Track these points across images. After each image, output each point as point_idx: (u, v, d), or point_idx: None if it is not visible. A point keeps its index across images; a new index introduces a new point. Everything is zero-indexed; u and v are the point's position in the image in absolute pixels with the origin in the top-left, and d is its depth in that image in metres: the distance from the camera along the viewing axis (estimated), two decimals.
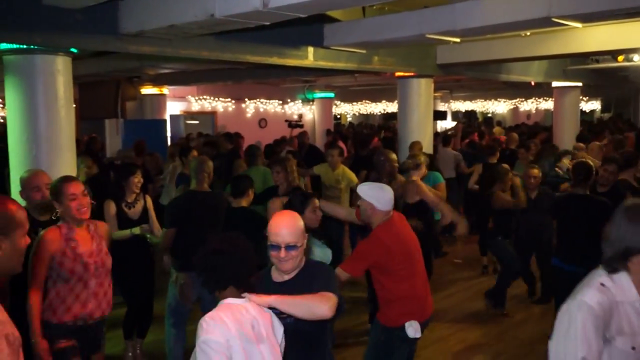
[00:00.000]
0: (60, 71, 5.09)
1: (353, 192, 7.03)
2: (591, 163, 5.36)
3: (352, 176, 7.12)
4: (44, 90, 5.04)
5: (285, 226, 2.72)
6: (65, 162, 5.16)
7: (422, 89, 8.58)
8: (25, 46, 4.91)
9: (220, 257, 2.46)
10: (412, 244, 3.90)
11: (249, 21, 4.43)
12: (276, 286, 2.78)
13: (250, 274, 2.53)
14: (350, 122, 22.81)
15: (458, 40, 6.34)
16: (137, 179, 4.98)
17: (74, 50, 5.16)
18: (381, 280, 3.83)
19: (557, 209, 5.42)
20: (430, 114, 8.96)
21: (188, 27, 4.72)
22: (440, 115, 16.49)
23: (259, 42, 6.09)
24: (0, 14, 4.47)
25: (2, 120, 13.88)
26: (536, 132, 13.20)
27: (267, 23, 4.55)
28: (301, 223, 2.79)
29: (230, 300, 2.46)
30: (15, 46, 4.92)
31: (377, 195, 3.81)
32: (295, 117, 16.54)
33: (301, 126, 11.98)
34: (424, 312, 3.89)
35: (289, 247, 2.70)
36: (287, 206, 3.82)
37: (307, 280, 2.77)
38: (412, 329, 3.72)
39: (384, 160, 5.96)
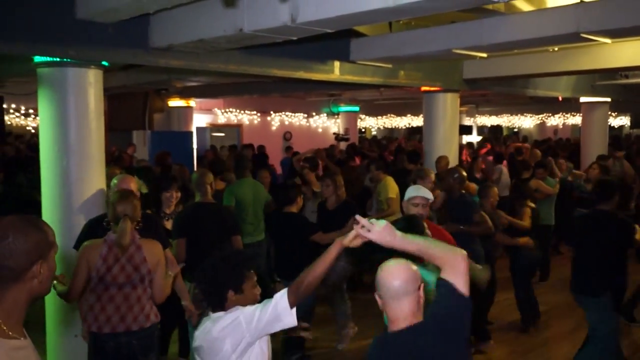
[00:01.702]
0: (91, 84, 5.19)
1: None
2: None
3: (390, 189, 7.18)
4: (76, 103, 5.14)
5: (402, 276, 2.36)
6: (94, 173, 5.25)
7: (448, 103, 8.55)
8: (58, 59, 5.02)
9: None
10: None
11: (277, 36, 4.48)
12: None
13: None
14: (365, 137, 22.77)
15: (485, 55, 6.32)
16: (170, 194, 5.11)
17: (105, 63, 5.26)
18: None
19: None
20: (456, 129, 8.91)
21: (216, 41, 4.79)
22: (465, 130, 16.41)
23: (286, 56, 6.15)
24: (36, 28, 4.58)
25: (33, 131, 14.17)
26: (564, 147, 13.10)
27: (295, 38, 4.59)
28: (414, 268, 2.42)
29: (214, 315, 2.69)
30: (49, 59, 5.03)
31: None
32: (342, 131, 16.61)
33: (347, 139, 12.01)
34: None
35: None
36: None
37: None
38: None
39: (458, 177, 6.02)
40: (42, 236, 1.83)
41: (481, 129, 23.58)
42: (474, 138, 19.99)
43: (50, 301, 5.04)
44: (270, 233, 6.15)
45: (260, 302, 2.64)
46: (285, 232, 5.47)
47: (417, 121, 20.90)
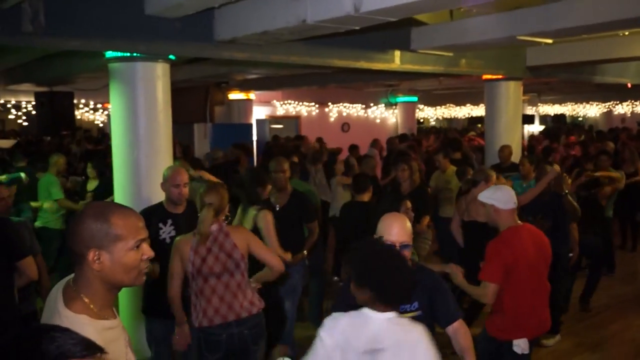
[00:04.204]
0: (159, 77, 5.36)
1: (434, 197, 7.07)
2: None
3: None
4: (145, 96, 5.32)
5: (397, 225, 2.81)
6: (162, 165, 5.40)
7: (511, 92, 8.38)
8: (128, 54, 5.20)
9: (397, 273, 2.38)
10: (540, 258, 3.78)
11: (340, 26, 4.50)
12: None
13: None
14: (430, 126, 22.49)
15: (550, 41, 6.15)
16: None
17: (172, 57, 5.42)
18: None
19: None
20: (518, 118, 8.73)
21: (279, 33, 4.85)
22: (527, 120, 16.03)
23: (346, 46, 6.16)
24: (108, 25, 4.77)
25: (101, 125, 14.71)
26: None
27: (357, 28, 4.61)
28: (409, 224, 2.88)
29: (366, 311, 2.37)
30: (119, 54, 5.23)
31: (496, 196, 3.81)
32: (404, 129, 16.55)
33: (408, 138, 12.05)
34: (537, 329, 3.79)
35: (403, 246, 2.70)
36: (379, 207, 3.93)
37: (424, 288, 2.84)
38: (520, 347, 3.63)
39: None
40: (102, 227, 1.81)
41: (543, 118, 22.94)
42: (536, 128, 19.48)
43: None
44: (341, 223, 6.20)
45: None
46: (355, 220, 5.51)
47: (477, 111, 20.54)
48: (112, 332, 1.87)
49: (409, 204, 4.14)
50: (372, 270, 2.35)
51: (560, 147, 12.34)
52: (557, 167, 6.17)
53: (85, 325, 1.75)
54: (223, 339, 3.59)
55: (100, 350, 1.14)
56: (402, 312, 2.60)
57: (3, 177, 7.20)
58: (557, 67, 8.30)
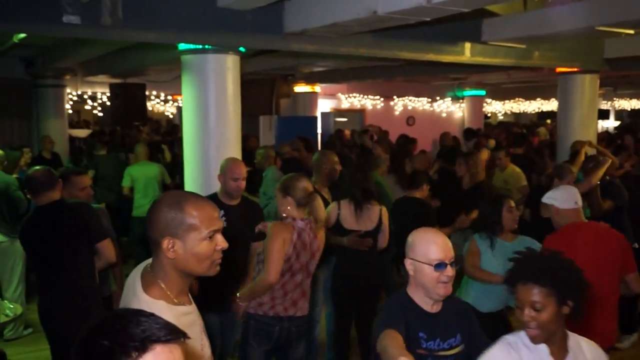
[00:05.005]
0: (230, 69, 5.45)
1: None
2: None
3: (521, 176, 6.89)
4: (215, 88, 5.42)
5: (441, 240, 2.41)
6: (232, 155, 5.48)
7: (587, 85, 8.06)
8: (200, 46, 5.31)
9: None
10: (605, 256, 3.53)
11: (411, 17, 4.44)
12: (429, 318, 2.44)
13: None
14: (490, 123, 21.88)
15: (632, 32, 5.86)
16: None
17: (242, 49, 5.49)
18: None
19: None
20: (594, 113, 8.39)
21: (349, 25, 4.83)
22: (602, 115, 15.38)
23: (415, 38, 6.08)
24: (181, 18, 4.88)
25: (171, 117, 15.09)
26: None
27: (428, 19, 4.53)
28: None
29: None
30: (192, 46, 5.34)
31: (555, 195, 3.69)
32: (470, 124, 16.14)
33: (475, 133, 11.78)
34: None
35: (452, 264, 2.40)
36: (481, 215, 4.00)
37: (460, 316, 2.53)
38: None
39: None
40: (177, 216, 1.83)
41: (619, 113, 21.94)
42: (611, 123, 18.68)
43: None
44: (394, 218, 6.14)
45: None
46: (409, 217, 5.42)
47: (548, 105, 19.87)
48: (188, 317, 1.90)
49: (512, 202, 4.01)
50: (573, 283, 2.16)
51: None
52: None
53: (163, 310, 1.77)
54: (275, 331, 3.57)
55: (184, 335, 1.16)
56: (448, 348, 2.43)
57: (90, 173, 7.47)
58: (637, 59, 7.90)
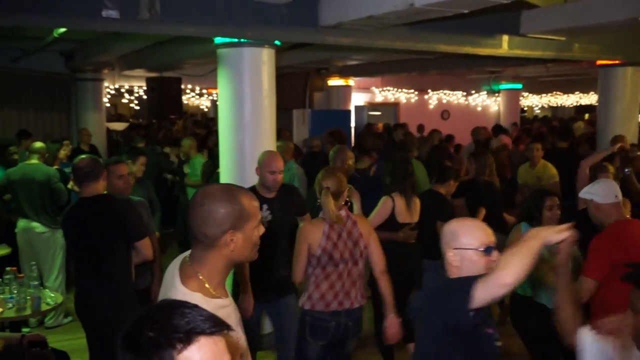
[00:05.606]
0: (265, 63, 5.46)
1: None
2: None
3: (554, 172, 6.73)
4: (251, 81, 5.43)
5: (483, 225, 2.45)
6: (267, 148, 5.50)
7: (628, 78, 7.85)
8: (236, 40, 5.33)
9: None
10: None
11: (449, 9, 4.38)
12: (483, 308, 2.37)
13: None
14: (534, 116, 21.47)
15: None
16: None
17: (277, 42, 5.50)
18: (604, 285, 3.42)
19: None
20: (635, 107, 8.16)
21: (385, 17, 4.78)
22: None
23: (452, 31, 5.99)
24: (217, 12, 4.90)
25: (205, 110, 15.23)
26: None
27: (466, 11, 4.46)
28: None
29: None
30: (227, 40, 5.36)
31: (594, 190, 3.60)
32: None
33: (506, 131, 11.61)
34: None
35: (495, 248, 2.38)
36: (524, 206, 4.04)
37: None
38: None
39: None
40: (234, 208, 1.87)
41: None
42: None
43: None
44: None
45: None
46: (430, 211, 5.36)
47: (586, 99, 19.44)
48: (225, 310, 1.92)
49: (556, 200, 3.94)
50: None
51: None
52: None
53: (200, 303, 1.76)
54: (332, 327, 3.59)
55: (228, 327, 1.17)
56: (498, 337, 2.42)
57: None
58: None
